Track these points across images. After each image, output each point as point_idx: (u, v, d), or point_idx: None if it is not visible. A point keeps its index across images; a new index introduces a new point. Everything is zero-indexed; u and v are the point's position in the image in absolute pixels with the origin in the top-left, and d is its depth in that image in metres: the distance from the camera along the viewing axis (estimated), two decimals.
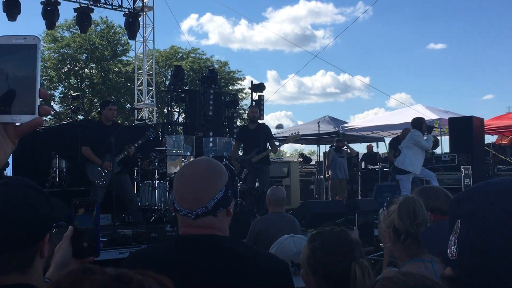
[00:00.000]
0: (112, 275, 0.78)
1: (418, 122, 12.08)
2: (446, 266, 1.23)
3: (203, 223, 2.08)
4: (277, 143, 12.45)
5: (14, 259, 1.66)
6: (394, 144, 13.83)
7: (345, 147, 16.16)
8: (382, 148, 22.97)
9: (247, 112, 20.18)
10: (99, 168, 9.08)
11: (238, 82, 42.67)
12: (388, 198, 2.93)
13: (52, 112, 38.31)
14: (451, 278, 1.19)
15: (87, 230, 1.87)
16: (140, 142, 9.78)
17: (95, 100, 38.71)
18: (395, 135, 22.71)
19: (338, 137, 19.30)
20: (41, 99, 1.19)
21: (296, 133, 12.65)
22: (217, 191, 2.10)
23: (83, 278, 0.77)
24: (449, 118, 15.98)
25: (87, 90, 38.12)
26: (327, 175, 16.22)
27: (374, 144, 21.58)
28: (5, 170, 11.03)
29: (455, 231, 1.18)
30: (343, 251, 2.35)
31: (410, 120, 19.04)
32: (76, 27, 24.37)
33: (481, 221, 1.12)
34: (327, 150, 17.89)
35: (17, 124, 1.17)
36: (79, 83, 38.66)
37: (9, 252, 1.65)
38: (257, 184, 11.33)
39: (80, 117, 25.84)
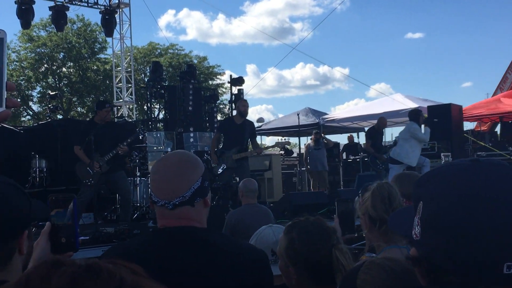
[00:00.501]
0: (82, 266, 0.77)
1: (415, 115, 12.13)
2: (411, 247, 1.26)
3: (181, 214, 2.09)
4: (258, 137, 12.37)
5: None
6: (370, 134, 13.93)
7: (322, 139, 16.18)
8: (362, 139, 23.10)
9: (228, 106, 20.11)
10: (88, 168, 9.04)
11: (217, 76, 42.64)
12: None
13: (31, 113, 38.02)
14: (415, 258, 1.22)
15: (64, 226, 1.86)
16: (129, 140, 9.77)
17: (74, 99, 38.46)
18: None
19: (318, 129, 19.37)
20: (8, 92, 1.18)
21: (286, 139, 12.65)
22: (193, 181, 2.11)
23: (52, 270, 0.76)
24: (428, 106, 16.09)
25: (65, 89, 37.83)
26: (308, 167, 16.25)
27: (354, 135, 21.70)
28: None
29: (418, 212, 1.20)
30: (321, 239, 2.36)
31: (389, 109, 19.27)
32: (52, 25, 24.13)
33: (439, 201, 1.15)
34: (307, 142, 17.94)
35: None
36: (57, 82, 38.34)
37: None
38: (237, 179, 11.16)
39: (59, 116, 25.62)
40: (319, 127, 20.45)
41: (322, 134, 17.07)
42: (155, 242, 2.12)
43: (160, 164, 2.21)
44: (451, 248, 1.11)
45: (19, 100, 36.70)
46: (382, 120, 13.61)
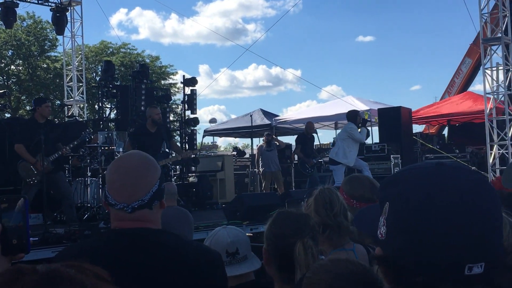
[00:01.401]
0: (43, 274, 0.76)
1: (352, 115, 12.38)
2: (376, 246, 1.29)
3: (138, 217, 2.09)
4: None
5: None
6: (299, 139, 14.23)
7: (274, 140, 16.27)
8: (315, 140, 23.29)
9: (180, 106, 20.04)
10: (31, 167, 8.89)
11: (170, 76, 42.35)
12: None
13: None
14: (380, 257, 1.24)
15: (15, 227, 1.84)
16: (76, 143, 9.67)
17: (22, 98, 37.69)
18: (327, 126, 23.17)
19: (270, 130, 19.46)
20: None
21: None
22: (152, 184, 2.11)
23: (13, 280, 0.75)
24: (378, 109, 16.36)
25: (14, 87, 37.07)
26: (260, 170, 16.29)
27: None
28: None
29: (384, 213, 1.23)
30: (293, 227, 2.44)
31: (341, 111, 19.48)
32: (1, 22, 23.59)
33: (405, 203, 1.18)
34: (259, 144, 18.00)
35: None
36: (6, 80, 37.50)
37: None
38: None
39: (7, 115, 25.12)
40: (271, 128, 20.56)
41: (274, 136, 17.17)
42: (109, 244, 2.11)
43: (118, 165, 2.19)
44: (415, 249, 1.14)
45: None
46: (310, 125, 13.79)
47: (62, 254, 2.32)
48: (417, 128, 21.21)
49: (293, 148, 19.85)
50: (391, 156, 13.83)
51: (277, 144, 16.19)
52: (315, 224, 2.57)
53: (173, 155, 11.02)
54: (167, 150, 10.94)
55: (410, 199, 1.17)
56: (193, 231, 6.39)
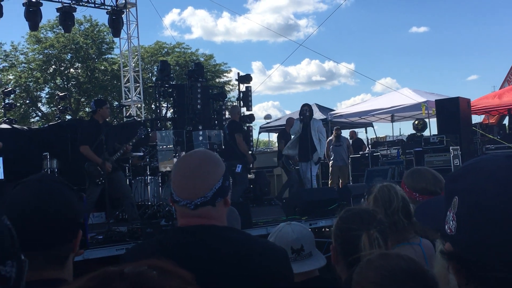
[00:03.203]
0: (132, 282, 0.76)
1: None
2: (445, 241, 1.25)
3: (202, 213, 2.10)
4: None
5: (55, 254, 1.72)
6: (282, 135, 14.33)
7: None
8: (371, 133, 23.10)
9: (235, 104, 20.14)
10: (98, 167, 9.10)
11: (224, 74, 42.65)
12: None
13: (40, 114, 38.14)
14: (450, 253, 1.21)
15: None
16: (134, 140, 9.87)
17: (82, 100, 38.54)
18: (384, 119, 22.90)
19: (326, 125, 19.37)
20: None
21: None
22: (215, 181, 2.13)
23: (102, 286, 0.76)
24: (436, 100, 16.04)
25: (73, 90, 37.91)
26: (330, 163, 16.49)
27: (362, 130, 21.70)
28: None
29: (452, 207, 1.20)
30: (359, 221, 2.44)
31: (397, 104, 19.23)
32: (60, 27, 24.18)
33: (478, 196, 1.14)
34: None
35: None
36: (65, 83, 38.43)
37: (54, 247, 1.71)
38: None
39: (68, 117, 25.75)
40: (327, 122, 20.46)
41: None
42: (177, 241, 2.14)
43: (182, 163, 2.22)
44: (494, 243, 1.10)
45: (27, 101, 36.91)
46: (290, 121, 13.66)
47: (132, 252, 2.36)
48: (476, 119, 20.72)
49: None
50: (450, 147, 13.57)
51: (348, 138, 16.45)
52: (382, 219, 2.56)
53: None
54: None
55: (483, 192, 1.14)
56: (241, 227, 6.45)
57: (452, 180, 1.25)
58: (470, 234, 1.15)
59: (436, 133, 15.05)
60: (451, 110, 14.74)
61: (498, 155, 1.22)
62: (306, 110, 12.04)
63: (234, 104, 22.14)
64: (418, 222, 1.64)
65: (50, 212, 1.69)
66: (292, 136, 12.56)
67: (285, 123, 14.51)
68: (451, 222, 1.20)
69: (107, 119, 9.65)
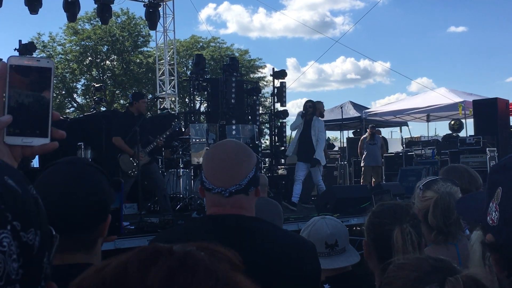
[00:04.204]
0: (180, 259, 0.76)
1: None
2: (486, 232, 1.22)
3: (235, 202, 2.09)
4: None
5: (83, 238, 1.69)
6: None
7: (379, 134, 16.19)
8: (405, 133, 22.86)
9: (269, 99, 20.07)
10: (131, 159, 9.17)
11: (258, 70, 42.68)
12: (424, 182, 2.95)
13: (75, 105, 38.65)
14: (492, 244, 1.18)
15: (115, 210, 1.89)
16: (168, 133, 9.93)
17: (117, 92, 38.94)
18: (419, 119, 22.65)
19: (360, 123, 19.24)
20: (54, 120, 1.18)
21: None
22: (249, 169, 2.12)
23: (150, 260, 0.75)
24: (473, 101, 15.84)
25: (109, 82, 38.33)
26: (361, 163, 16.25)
27: (397, 129, 21.46)
28: (31, 161, 11.19)
29: (496, 198, 1.17)
30: (392, 216, 2.40)
31: (433, 104, 19.00)
32: (97, 19, 24.45)
33: None
34: (349, 136, 17.81)
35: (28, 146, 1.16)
36: (101, 75, 38.89)
37: (82, 230, 1.68)
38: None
39: (103, 108, 25.96)
40: (361, 121, 20.31)
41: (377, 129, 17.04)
42: (205, 228, 2.13)
43: (216, 151, 2.21)
44: None
45: (63, 92, 37.42)
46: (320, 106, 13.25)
47: (160, 237, 2.35)
48: None
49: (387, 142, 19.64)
50: (487, 149, 13.37)
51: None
52: (416, 214, 2.50)
53: None
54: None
55: None
56: (283, 222, 6.42)
57: (496, 171, 1.23)
58: None
59: (473, 134, 14.86)
60: (489, 111, 14.53)
61: None
62: (309, 106, 11.55)
63: (268, 99, 22.08)
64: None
65: (79, 194, 1.67)
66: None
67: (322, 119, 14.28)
68: (494, 213, 1.17)
69: (142, 113, 9.71)
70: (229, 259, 0.83)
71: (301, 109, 11.89)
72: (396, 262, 1.74)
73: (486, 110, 14.62)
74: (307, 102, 11.76)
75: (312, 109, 11.53)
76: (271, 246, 2.09)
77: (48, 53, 37.29)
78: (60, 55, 37.73)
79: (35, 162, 11.39)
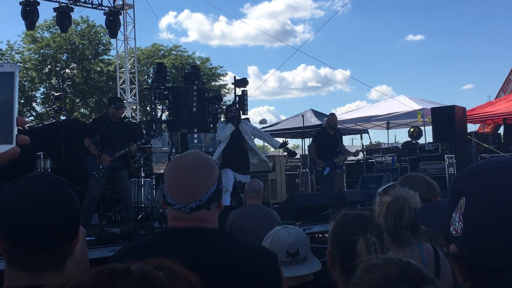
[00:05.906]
0: (138, 280, 0.73)
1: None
2: (449, 243, 1.22)
3: (195, 217, 2.08)
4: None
5: (53, 256, 1.65)
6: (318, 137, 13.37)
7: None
8: (366, 140, 23.07)
9: None
10: (97, 161, 9.08)
11: (220, 78, 42.65)
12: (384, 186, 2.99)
13: (34, 114, 38.04)
14: (456, 254, 1.18)
15: None
16: (143, 141, 9.86)
17: (77, 100, 38.46)
18: (379, 126, 22.92)
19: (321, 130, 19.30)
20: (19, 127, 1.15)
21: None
22: (210, 184, 2.10)
23: (107, 282, 0.73)
24: (432, 108, 16.08)
25: (69, 90, 37.81)
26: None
27: (357, 136, 21.62)
28: None
29: (459, 208, 1.17)
30: (356, 225, 2.39)
31: (393, 111, 19.25)
32: (56, 27, 24.15)
33: (487, 197, 1.12)
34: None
35: None
36: (61, 83, 38.34)
37: (52, 247, 1.64)
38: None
39: (63, 117, 25.60)
40: (322, 129, 20.43)
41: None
42: (166, 242, 2.11)
43: (176, 165, 2.19)
44: (503, 245, 1.08)
45: (22, 101, 36.81)
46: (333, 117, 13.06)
47: (122, 252, 2.33)
48: (471, 128, 20.77)
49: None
50: (445, 156, 13.59)
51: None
52: (380, 224, 2.52)
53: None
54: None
55: (494, 194, 1.11)
56: None
57: (459, 181, 1.23)
58: (477, 235, 1.12)
59: (432, 141, 15.07)
60: (447, 118, 14.78)
61: (508, 157, 1.21)
62: (235, 110, 10.21)
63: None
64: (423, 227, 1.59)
65: (53, 211, 1.63)
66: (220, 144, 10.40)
67: (282, 127, 14.35)
68: (458, 223, 1.17)
69: (122, 117, 9.71)
70: (188, 280, 0.81)
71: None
72: (366, 263, 1.76)
73: (444, 117, 14.86)
74: (231, 106, 10.82)
75: (239, 113, 10.42)
76: (233, 257, 2.09)
77: (6, 61, 36.57)
78: (18, 64, 37.05)
79: None
